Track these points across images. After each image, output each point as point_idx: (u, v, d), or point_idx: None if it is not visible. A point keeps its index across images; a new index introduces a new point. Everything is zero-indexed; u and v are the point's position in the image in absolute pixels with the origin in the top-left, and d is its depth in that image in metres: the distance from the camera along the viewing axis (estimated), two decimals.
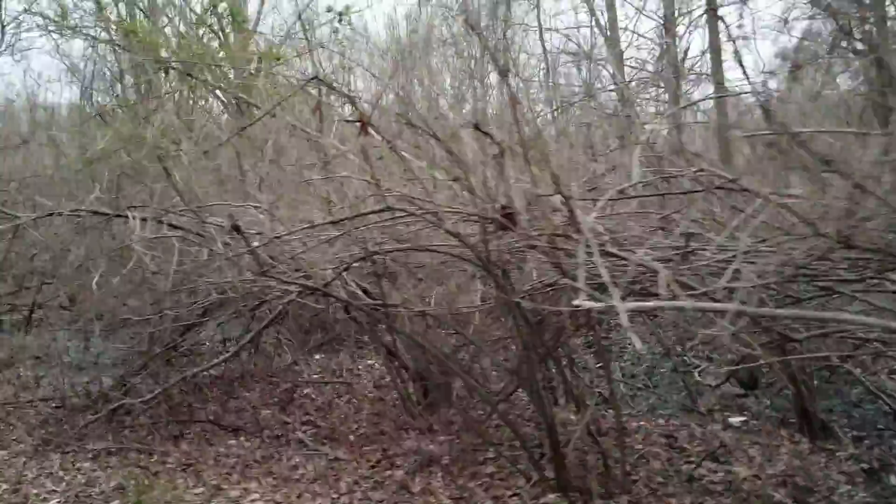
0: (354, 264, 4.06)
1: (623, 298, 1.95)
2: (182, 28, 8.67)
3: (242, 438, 5.74)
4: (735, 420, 5.49)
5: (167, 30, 8.71)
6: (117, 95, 9.82)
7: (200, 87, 7.95)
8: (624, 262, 2.86)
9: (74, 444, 5.61)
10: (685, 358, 6.78)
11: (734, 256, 2.65)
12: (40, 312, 7.03)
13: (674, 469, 4.31)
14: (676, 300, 2.20)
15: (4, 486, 4.76)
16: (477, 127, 3.28)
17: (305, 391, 7.36)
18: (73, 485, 4.76)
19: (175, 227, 4.71)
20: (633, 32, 13.82)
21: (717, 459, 4.54)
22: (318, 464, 4.93)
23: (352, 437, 5.57)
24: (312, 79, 3.40)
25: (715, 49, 8.86)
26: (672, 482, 4.18)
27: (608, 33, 14.82)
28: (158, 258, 4.85)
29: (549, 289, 4.02)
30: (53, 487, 4.73)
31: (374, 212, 3.48)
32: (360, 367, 8.47)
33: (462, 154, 3.55)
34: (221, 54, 8.05)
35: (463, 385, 5.59)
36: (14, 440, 5.87)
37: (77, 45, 30.12)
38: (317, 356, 8.78)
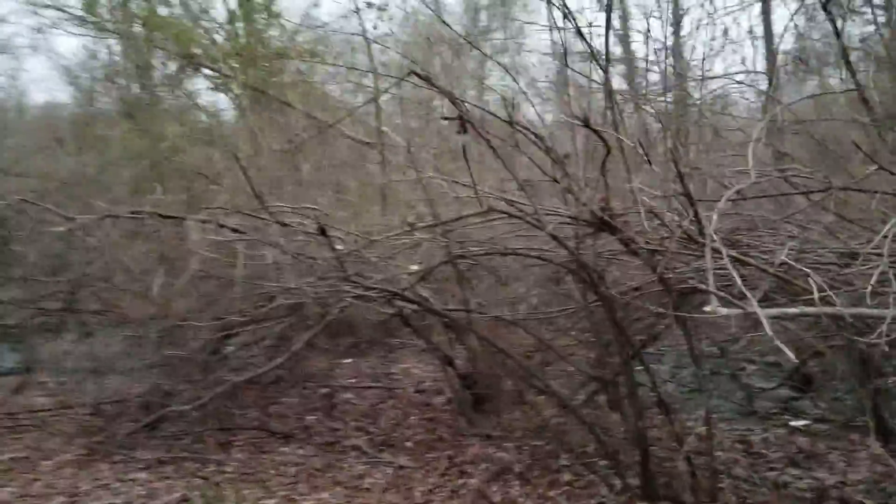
0: (436, 268, 3.93)
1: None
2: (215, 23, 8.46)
3: (295, 446, 5.60)
4: (798, 423, 5.40)
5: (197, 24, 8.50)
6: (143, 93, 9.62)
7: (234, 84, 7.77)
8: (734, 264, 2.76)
9: (121, 454, 5.44)
10: (731, 360, 6.69)
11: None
12: (73, 317, 6.83)
13: (759, 476, 4.21)
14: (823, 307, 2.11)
15: (61, 499, 4.60)
16: (587, 124, 3.16)
17: (345, 396, 7.23)
18: (132, 496, 4.60)
19: (235, 231, 4.56)
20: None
21: (797, 465, 4.45)
22: (384, 472, 4.80)
23: (409, 444, 5.44)
24: (411, 73, 3.24)
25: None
26: (759, 490, 4.07)
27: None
28: (217, 262, 4.71)
29: (637, 292, 3.91)
30: (112, 500, 4.57)
31: (473, 214, 3.36)
32: (393, 371, 8.36)
33: (562, 154, 3.44)
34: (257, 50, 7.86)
35: (517, 390, 5.51)
36: (54, 449, 5.70)
37: (69, 45, 29.84)
38: (346, 360, 8.64)
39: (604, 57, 3.51)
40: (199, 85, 8.63)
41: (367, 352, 8.86)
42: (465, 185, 3.57)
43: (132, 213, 4.49)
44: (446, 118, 3.34)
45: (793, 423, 5.36)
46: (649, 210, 3.29)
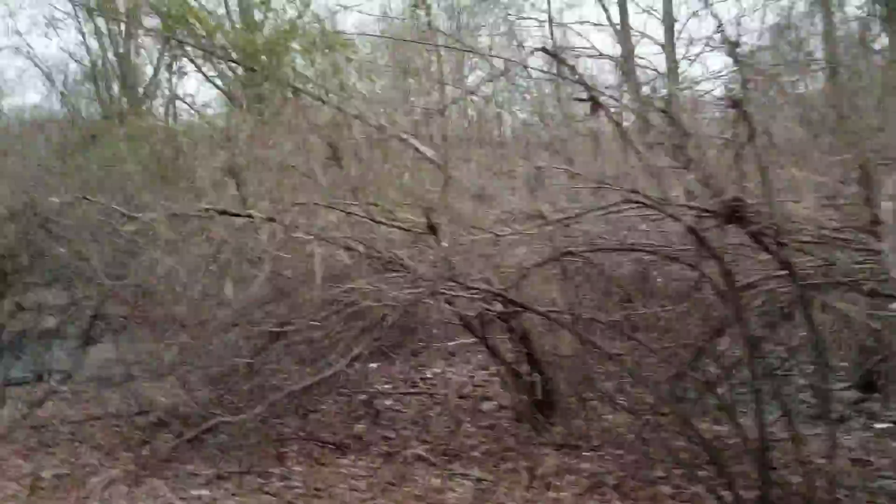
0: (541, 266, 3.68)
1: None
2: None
3: (352, 457, 5.31)
4: (882, 426, 5.22)
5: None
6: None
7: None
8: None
9: (170, 468, 5.13)
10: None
11: None
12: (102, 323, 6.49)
13: (876, 485, 4.02)
14: None
15: None
16: (735, 104, 2.94)
17: (386, 402, 6.95)
18: None
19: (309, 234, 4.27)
20: None
21: None
22: (461, 485, 4.54)
23: (476, 454, 5.18)
24: (539, 50, 3.01)
25: None
26: (878, 500, 3.88)
27: None
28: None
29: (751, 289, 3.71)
30: None
31: (605, 206, 3.12)
32: (427, 375, 8.10)
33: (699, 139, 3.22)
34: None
35: (599, 395, 5.29)
36: (96, 464, 5.36)
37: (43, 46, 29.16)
38: (372, 364, 8.35)
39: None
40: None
41: (391, 356, 8.58)
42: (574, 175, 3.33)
43: (201, 210, 4.19)
44: (578, 99, 3.11)
45: (878, 426, 5.19)
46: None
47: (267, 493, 4.57)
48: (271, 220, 4.11)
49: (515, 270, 3.64)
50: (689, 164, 3.22)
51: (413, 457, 5.20)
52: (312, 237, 4.02)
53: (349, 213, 3.63)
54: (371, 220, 3.57)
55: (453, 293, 3.78)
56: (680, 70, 14.78)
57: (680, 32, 17.66)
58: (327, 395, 7.04)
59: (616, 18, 18.15)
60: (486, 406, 6.56)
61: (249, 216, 4.22)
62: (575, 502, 4.11)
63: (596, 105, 3.01)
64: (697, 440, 3.95)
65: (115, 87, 18.34)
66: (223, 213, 4.12)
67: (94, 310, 6.06)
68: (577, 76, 2.99)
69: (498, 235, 3.51)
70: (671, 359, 4.08)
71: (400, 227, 3.59)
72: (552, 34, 19.70)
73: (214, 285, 4.57)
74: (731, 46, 3.29)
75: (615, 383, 4.94)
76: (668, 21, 18.17)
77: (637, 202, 3.07)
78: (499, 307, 4.26)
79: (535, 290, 3.97)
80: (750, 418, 4.03)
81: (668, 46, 18.22)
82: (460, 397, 7.04)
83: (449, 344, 8.58)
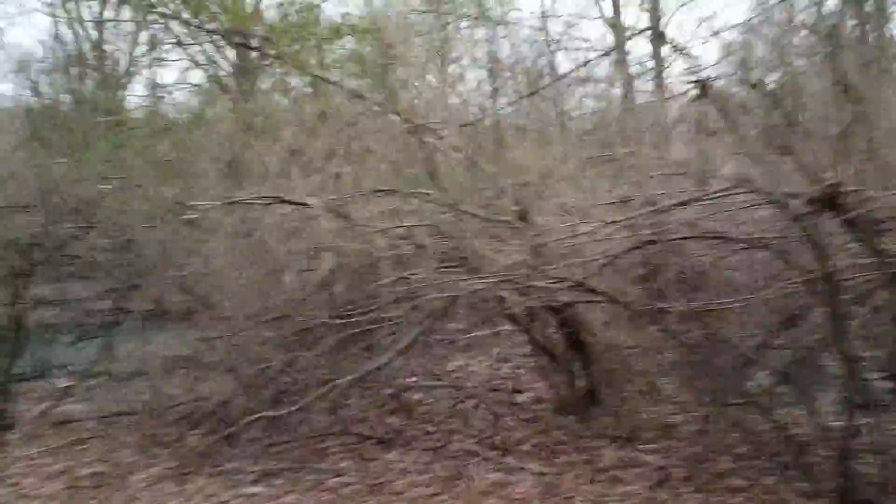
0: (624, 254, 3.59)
1: None
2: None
3: (398, 451, 5.20)
4: None
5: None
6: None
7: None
8: None
9: (213, 465, 4.97)
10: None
11: None
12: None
13: None
14: None
15: None
16: (846, 88, 2.87)
17: (415, 396, 6.83)
18: None
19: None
20: None
21: None
22: (523, 479, 4.44)
23: (526, 448, 5.08)
24: (645, 30, 2.91)
25: None
26: None
27: None
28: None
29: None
30: None
31: (713, 192, 3.03)
32: (449, 368, 7.98)
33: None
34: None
35: (649, 386, 5.23)
36: (133, 462, 5.18)
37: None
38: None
39: None
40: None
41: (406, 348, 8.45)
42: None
43: (257, 198, 4.03)
44: (689, 82, 3.02)
45: None
46: None
47: (324, 489, 4.43)
48: (334, 210, 3.98)
49: (598, 259, 3.54)
50: (789, 150, 3.14)
51: (463, 451, 5.10)
52: (378, 228, 3.88)
53: (427, 201, 3.49)
54: (454, 209, 3.44)
55: (528, 283, 3.67)
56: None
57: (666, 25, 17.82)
58: (351, 389, 6.92)
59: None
60: (520, 399, 6.48)
61: (304, 204, 4.09)
62: (648, 496, 4.03)
63: (705, 89, 2.92)
64: (776, 430, 3.89)
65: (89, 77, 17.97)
66: (283, 201, 3.97)
67: (122, 302, 5.83)
68: (688, 59, 2.89)
69: (581, 226, 3.41)
70: (744, 348, 4.01)
71: (481, 217, 3.47)
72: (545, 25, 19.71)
73: (269, 276, 4.41)
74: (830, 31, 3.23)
75: (675, 375, 4.87)
76: (655, 15, 18.29)
77: (749, 189, 2.99)
78: (565, 298, 4.16)
79: (605, 280, 3.87)
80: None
81: (658, 40, 18.36)
82: (490, 390, 6.95)
83: (464, 336, 8.48)
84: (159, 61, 20.59)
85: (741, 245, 3.51)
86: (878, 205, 3.13)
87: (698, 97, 2.93)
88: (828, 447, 3.82)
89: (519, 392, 6.78)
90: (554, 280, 3.51)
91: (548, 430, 5.37)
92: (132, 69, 21.54)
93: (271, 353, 5.38)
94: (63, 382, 6.92)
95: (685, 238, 3.52)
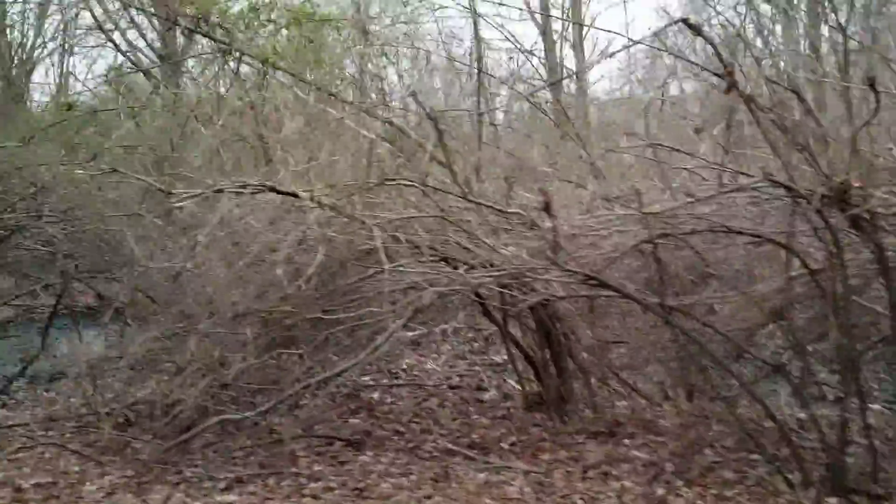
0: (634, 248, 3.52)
1: None
2: None
3: (372, 453, 4.97)
4: None
5: None
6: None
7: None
8: None
9: (170, 473, 4.61)
10: None
11: None
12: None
13: None
14: None
15: None
16: (872, 84, 2.89)
17: (372, 395, 6.61)
18: None
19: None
20: None
21: None
22: (512, 479, 4.32)
23: (505, 446, 4.96)
24: (679, 21, 2.85)
25: None
26: None
27: None
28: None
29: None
30: None
31: (731, 189, 3.00)
32: (403, 366, 7.79)
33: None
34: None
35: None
36: (81, 471, 4.74)
37: None
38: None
39: None
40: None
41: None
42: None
43: (242, 186, 3.75)
44: (717, 74, 2.96)
45: None
46: None
47: (306, 495, 4.17)
48: (323, 201, 3.75)
49: (610, 253, 3.46)
50: (803, 147, 3.15)
51: (440, 450, 4.94)
52: (376, 220, 3.67)
53: (441, 190, 3.31)
54: (467, 200, 3.27)
55: (535, 276, 3.56)
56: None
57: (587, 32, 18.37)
58: (304, 389, 6.64)
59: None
60: (486, 396, 6.37)
61: (292, 194, 3.84)
62: (644, 492, 3.99)
63: (733, 82, 2.88)
64: (766, 421, 3.93)
65: None
66: (273, 190, 3.70)
67: (63, 298, 5.34)
68: (715, 49, 2.84)
69: (591, 218, 3.32)
70: (738, 341, 4.03)
71: (494, 208, 3.32)
72: (476, 26, 19.73)
73: (246, 270, 4.11)
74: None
75: (660, 369, 4.88)
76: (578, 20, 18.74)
77: (775, 183, 2.97)
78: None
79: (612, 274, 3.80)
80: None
81: (578, 46, 18.78)
82: (451, 388, 6.82)
83: (409, 334, 8.31)
84: (71, 47, 19.49)
85: (752, 239, 3.51)
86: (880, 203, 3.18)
87: (728, 90, 2.89)
88: (817, 437, 3.88)
89: (483, 390, 6.68)
90: (568, 273, 3.40)
91: (524, 428, 5.27)
92: (38, 54, 20.28)
93: (235, 351, 5.06)
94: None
95: (698, 232, 3.48)
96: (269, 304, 4.44)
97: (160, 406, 5.05)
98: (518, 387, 6.26)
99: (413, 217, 3.77)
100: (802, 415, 4.31)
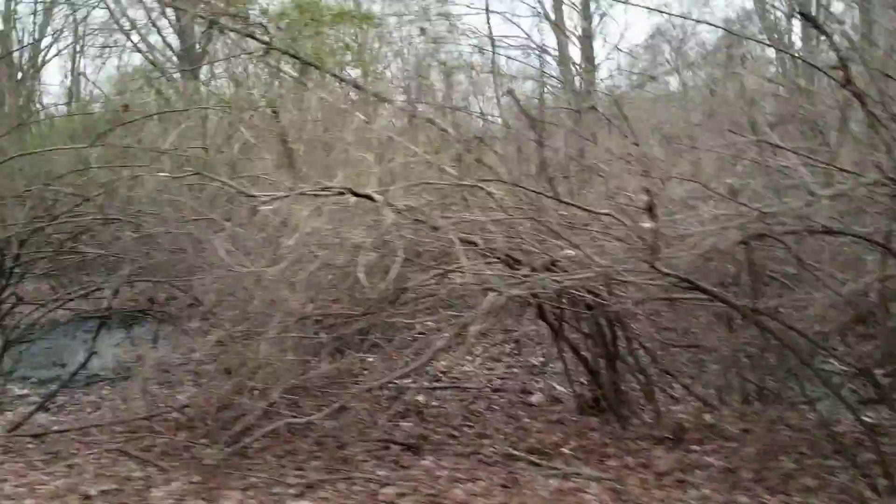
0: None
1: None
2: None
3: (432, 457, 4.93)
4: None
5: None
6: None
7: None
8: None
9: (234, 478, 4.56)
10: None
11: None
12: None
13: None
14: None
15: None
16: None
17: (416, 398, 6.55)
18: None
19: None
20: None
21: None
22: (586, 485, 4.28)
23: (567, 451, 4.93)
24: (796, 14, 2.81)
25: None
26: None
27: None
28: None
29: None
30: None
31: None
32: (441, 369, 7.75)
33: None
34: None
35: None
36: (145, 476, 4.68)
37: None
38: (369, 358, 7.92)
39: None
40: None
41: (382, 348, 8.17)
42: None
43: (322, 189, 3.70)
44: (834, 67, 2.92)
45: None
46: None
47: (381, 501, 4.13)
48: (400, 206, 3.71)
49: (704, 253, 3.42)
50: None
51: (500, 455, 4.90)
52: (451, 221, 3.63)
53: (535, 191, 3.27)
54: (559, 200, 3.23)
55: (622, 279, 3.52)
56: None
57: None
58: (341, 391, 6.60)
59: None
60: (534, 399, 6.33)
61: (369, 197, 3.79)
62: (726, 499, 3.95)
63: (847, 77, 2.84)
64: (854, 425, 3.89)
65: None
66: (352, 193, 3.66)
67: (114, 301, 5.28)
68: (834, 47, 2.79)
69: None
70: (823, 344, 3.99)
71: (583, 208, 3.28)
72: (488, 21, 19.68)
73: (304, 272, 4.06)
74: None
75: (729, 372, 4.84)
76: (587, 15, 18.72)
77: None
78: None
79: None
80: None
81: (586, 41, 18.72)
82: (494, 391, 6.78)
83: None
84: (82, 47, 19.38)
85: (851, 239, 3.46)
86: None
87: (844, 85, 2.84)
88: None
89: (528, 393, 6.64)
90: (662, 276, 3.35)
91: (582, 433, 5.23)
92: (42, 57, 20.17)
93: (293, 355, 5.01)
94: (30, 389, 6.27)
95: (795, 232, 3.43)
96: (339, 306, 4.38)
97: (221, 410, 5.01)
98: (565, 390, 6.26)
99: (499, 220, 3.72)
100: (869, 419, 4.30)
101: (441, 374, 7.52)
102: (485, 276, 3.96)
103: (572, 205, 3.40)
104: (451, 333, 4.98)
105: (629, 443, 4.94)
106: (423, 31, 7.58)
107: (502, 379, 7.25)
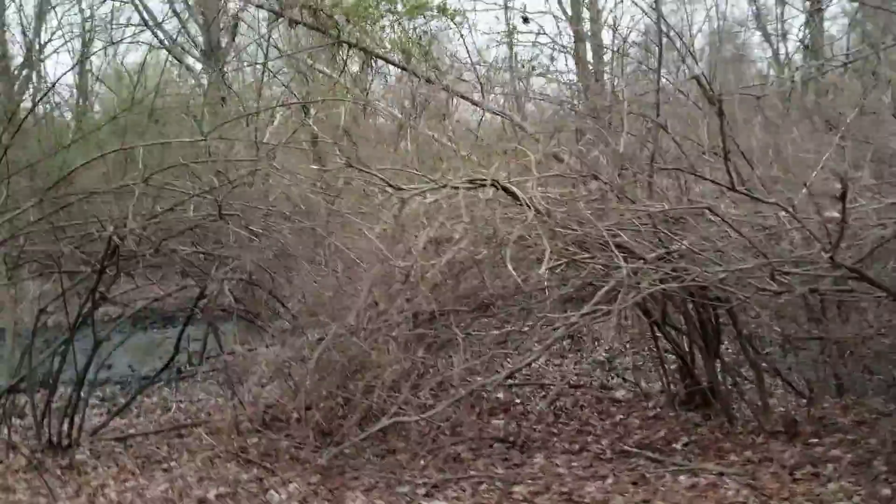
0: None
1: None
2: None
3: (541, 455, 4.84)
4: None
5: None
6: None
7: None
8: None
9: (349, 478, 4.45)
10: None
11: None
12: None
13: None
14: None
15: None
16: None
17: (496, 395, 6.45)
18: None
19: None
20: None
21: None
22: (723, 481, 4.19)
23: (678, 447, 4.85)
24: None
25: None
26: None
27: None
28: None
29: None
30: None
31: None
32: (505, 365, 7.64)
33: None
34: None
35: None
36: (251, 478, 4.56)
37: None
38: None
39: None
40: None
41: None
42: None
43: (471, 182, 3.60)
44: None
45: None
46: None
47: (517, 500, 4.03)
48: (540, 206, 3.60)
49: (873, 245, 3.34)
50: None
51: (614, 452, 4.81)
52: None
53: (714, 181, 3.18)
54: (735, 190, 3.14)
55: (784, 270, 3.43)
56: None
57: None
58: (416, 388, 6.48)
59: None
60: (619, 395, 6.25)
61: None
62: (869, 492, 3.88)
63: None
64: None
65: None
66: (498, 186, 3.55)
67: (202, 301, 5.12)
68: None
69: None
70: None
71: (757, 198, 3.19)
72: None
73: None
74: None
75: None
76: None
77: None
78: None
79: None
80: None
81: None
82: (574, 387, 6.69)
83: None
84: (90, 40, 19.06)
85: None
86: None
87: None
88: None
89: (609, 388, 6.57)
90: (833, 267, 3.27)
91: (687, 428, 5.15)
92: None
93: (397, 354, 4.89)
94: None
95: None
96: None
97: (324, 410, 4.90)
98: (644, 385, 6.21)
99: (667, 210, 3.61)
100: None
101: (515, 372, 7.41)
102: (625, 269, 3.83)
103: (746, 194, 3.30)
104: (567, 326, 4.90)
105: (740, 437, 4.86)
106: (526, 20, 7.48)
107: (577, 375, 7.18)
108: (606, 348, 7.90)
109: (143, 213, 4.18)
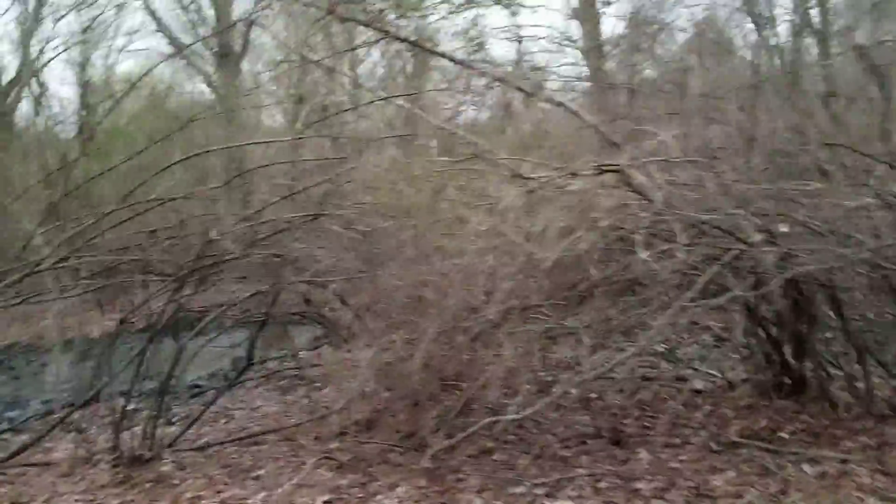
0: None
1: None
2: None
3: (643, 450, 4.68)
4: None
5: None
6: None
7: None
8: None
9: (452, 480, 4.28)
10: None
11: None
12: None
13: None
14: None
15: None
16: None
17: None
18: None
19: None
20: None
21: None
22: (853, 469, 4.04)
23: (786, 436, 4.69)
24: None
25: None
26: None
27: None
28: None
29: None
30: None
31: None
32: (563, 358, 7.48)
33: None
34: None
35: None
36: (361, 484, 4.36)
37: None
38: None
39: None
40: None
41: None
42: None
43: (597, 168, 3.43)
44: None
45: None
46: None
47: (646, 496, 3.87)
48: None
49: None
50: None
51: (720, 444, 4.65)
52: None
53: None
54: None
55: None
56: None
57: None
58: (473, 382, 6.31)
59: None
60: (700, 386, 6.08)
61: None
62: None
63: None
64: None
65: None
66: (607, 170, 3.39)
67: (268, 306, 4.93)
68: None
69: None
70: None
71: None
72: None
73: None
74: None
75: None
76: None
77: None
78: None
79: None
80: None
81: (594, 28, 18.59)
82: (644, 379, 6.51)
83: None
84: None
85: None
86: None
87: None
88: None
89: (683, 380, 6.40)
90: None
91: (789, 417, 4.99)
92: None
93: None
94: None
95: None
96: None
97: (418, 412, 4.72)
98: (720, 375, 6.05)
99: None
100: None
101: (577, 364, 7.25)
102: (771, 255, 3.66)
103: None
104: (672, 314, 4.73)
105: (846, 423, 4.71)
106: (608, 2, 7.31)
107: (640, 366, 7.00)
108: (665, 339, 7.71)
109: (234, 214, 4.00)
